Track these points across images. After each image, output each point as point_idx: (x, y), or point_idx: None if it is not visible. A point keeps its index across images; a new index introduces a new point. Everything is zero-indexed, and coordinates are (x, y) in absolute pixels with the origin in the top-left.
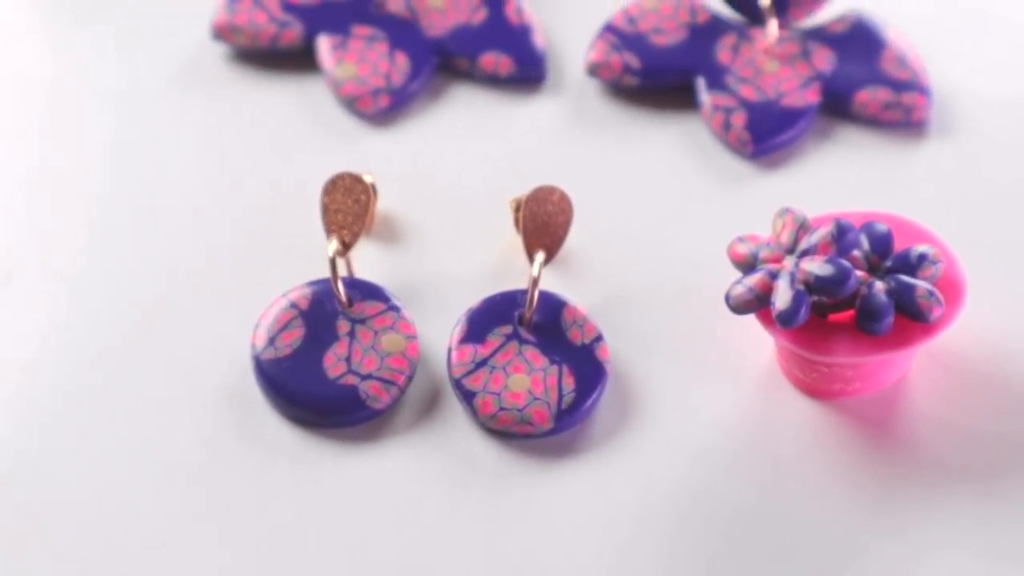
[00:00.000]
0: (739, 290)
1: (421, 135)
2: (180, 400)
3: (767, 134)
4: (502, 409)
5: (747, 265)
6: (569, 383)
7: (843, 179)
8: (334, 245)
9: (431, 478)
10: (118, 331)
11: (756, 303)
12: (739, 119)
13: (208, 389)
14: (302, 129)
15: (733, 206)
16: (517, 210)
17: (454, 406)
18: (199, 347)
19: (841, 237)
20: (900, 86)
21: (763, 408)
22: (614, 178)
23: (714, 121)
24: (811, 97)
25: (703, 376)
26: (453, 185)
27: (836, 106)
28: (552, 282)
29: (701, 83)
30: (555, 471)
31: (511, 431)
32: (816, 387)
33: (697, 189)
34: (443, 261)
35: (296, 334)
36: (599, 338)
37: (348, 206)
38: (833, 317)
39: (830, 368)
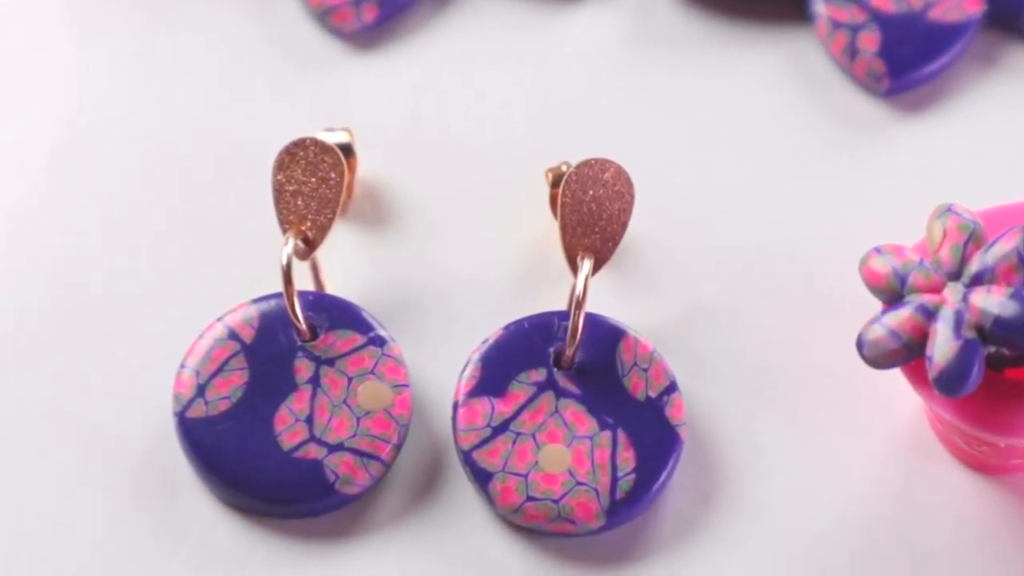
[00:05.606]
0: (878, 333)
1: (420, 64)
2: (72, 477)
3: (910, 62)
4: (530, 499)
5: (889, 292)
6: (627, 458)
7: (1020, 129)
8: (290, 245)
9: None
10: None
11: (904, 354)
12: (870, 41)
13: (111, 459)
14: (258, 55)
15: (862, 169)
16: (555, 185)
17: (463, 489)
18: (100, 393)
19: None
20: None
21: (907, 486)
22: (691, 127)
23: (834, 43)
24: (971, 7)
25: (821, 440)
26: (464, 140)
27: (1007, 19)
28: (603, 292)
29: None
30: None
31: (544, 529)
32: (984, 461)
33: (810, 144)
34: (449, 261)
35: (236, 380)
36: (671, 388)
37: (312, 187)
38: (1012, 372)
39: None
